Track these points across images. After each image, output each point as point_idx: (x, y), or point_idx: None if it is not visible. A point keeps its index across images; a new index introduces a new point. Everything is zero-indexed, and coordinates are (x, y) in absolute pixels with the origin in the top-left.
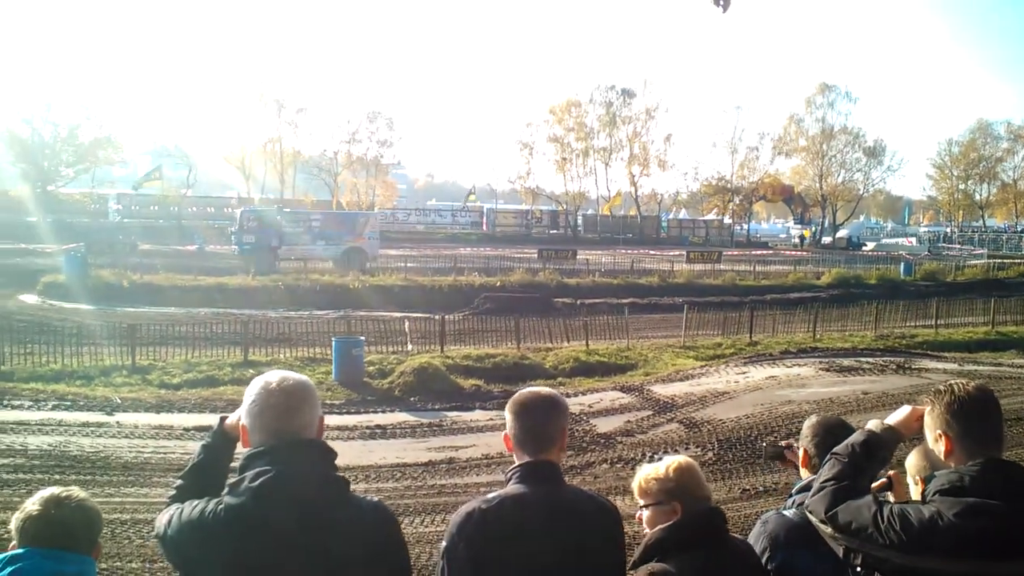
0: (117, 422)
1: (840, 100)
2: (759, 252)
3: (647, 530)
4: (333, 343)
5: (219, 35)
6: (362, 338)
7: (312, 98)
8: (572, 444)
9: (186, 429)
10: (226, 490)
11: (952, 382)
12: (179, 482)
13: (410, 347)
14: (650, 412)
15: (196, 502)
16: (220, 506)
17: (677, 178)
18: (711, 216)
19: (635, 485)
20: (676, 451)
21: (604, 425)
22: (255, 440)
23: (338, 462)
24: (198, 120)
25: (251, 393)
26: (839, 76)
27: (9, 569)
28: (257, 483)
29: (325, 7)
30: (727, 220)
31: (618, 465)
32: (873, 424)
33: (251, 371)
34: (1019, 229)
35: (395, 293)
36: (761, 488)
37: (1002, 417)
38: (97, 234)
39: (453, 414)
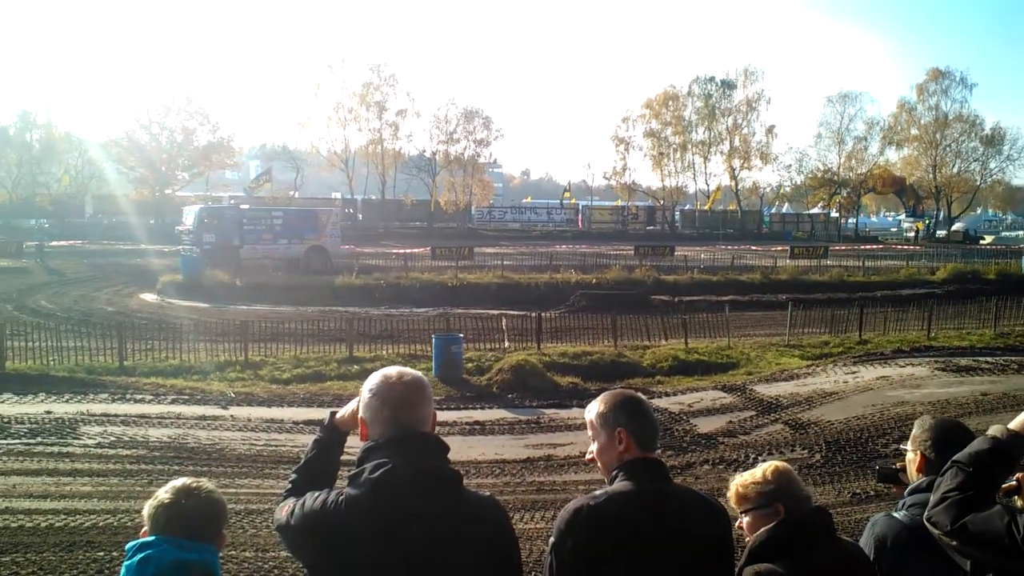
0: (231, 416)
1: (955, 87)
2: (868, 247)
3: (748, 537)
4: (433, 340)
5: (324, 40)
6: (461, 335)
7: (412, 100)
8: (672, 444)
9: (295, 423)
10: (346, 482)
11: None
12: (294, 476)
13: (507, 344)
14: (753, 412)
15: (317, 493)
16: (341, 497)
17: (780, 171)
18: (816, 210)
19: (731, 494)
20: (781, 453)
21: (705, 425)
22: (374, 433)
23: None
24: (304, 124)
25: (371, 387)
26: (954, 60)
27: (140, 556)
28: (377, 475)
29: (423, 9)
30: (833, 214)
31: (720, 466)
32: (996, 430)
33: (355, 367)
34: None
35: (492, 291)
36: (872, 492)
37: None
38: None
39: (550, 411)
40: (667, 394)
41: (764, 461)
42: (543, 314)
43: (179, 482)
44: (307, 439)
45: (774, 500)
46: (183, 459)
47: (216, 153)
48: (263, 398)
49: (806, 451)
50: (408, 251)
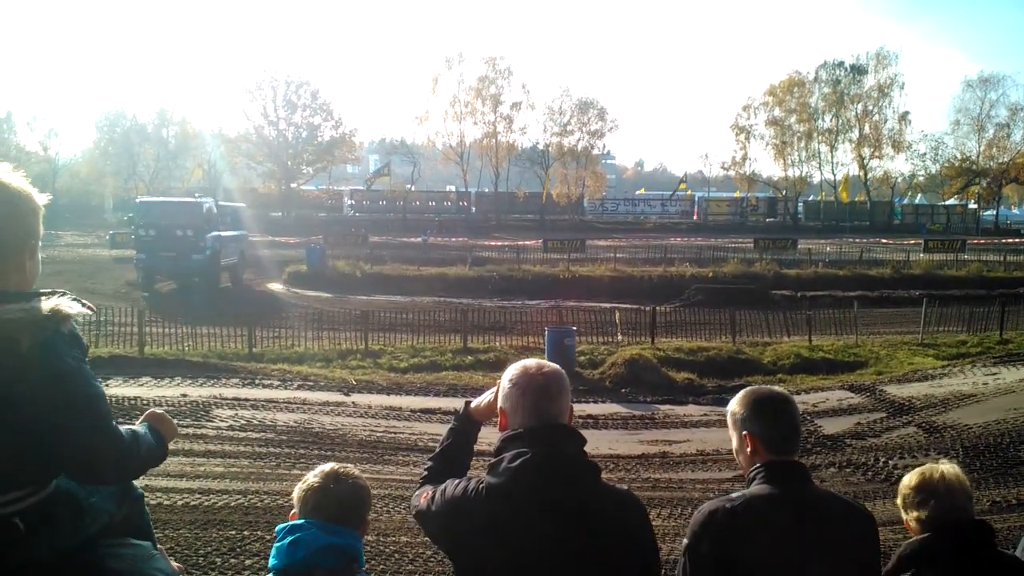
0: (353, 402)
1: None
2: (1010, 240)
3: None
4: (546, 333)
5: (441, 36)
6: (574, 328)
7: (527, 92)
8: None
9: (412, 411)
10: (487, 471)
11: None
12: (429, 464)
13: (620, 338)
14: (883, 414)
15: (458, 481)
16: (482, 485)
17: (913, 160)
18: (952, 201)
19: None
20: (914, 457)
21: (831, 426)
22: (514, 423)
23: None
24: (422, 118)
25: (511, 377)
26: None
27: (290, 538)
28: (517, 463)
29: (539, 1)
30: (972, 205)
31: (847, 470)
32: None
33: (469, 358)
34: None
35: (604, 284)
36: (1014, 501)
37: None
38: (333, 227)
39: (665, 407)
40: (790, 392)
41: (939, 462)
42: (657, 308)
43: (327, 467)
44: (423, 427)
45: (918, 506)
46: (308, 443)
47: (339, 148)
48: (382, 386)
49: (942, 456)
50: (520, 243)
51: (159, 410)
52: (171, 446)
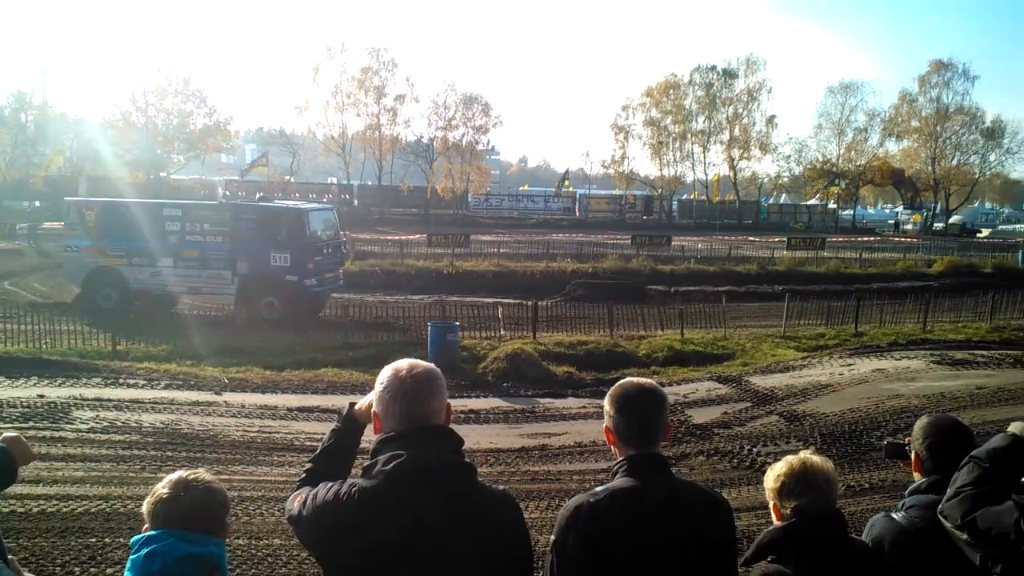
0: (225, 401)
1: (957, 79)
2: (866, 238)
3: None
4: (429, 328)
5: (323, 24)
6: (457, 323)
7: (411, 85)
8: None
9: (289, 409)
10: (360, 473)
11: None
12: (309, 465)
13: (503, 333)
14: (748, 404)
15: (330, 484)
16: (354, 488)
17: (779, 161)
18: (814, 201)
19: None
20: (776, 445)
21: (700, 416)
22: (387, 426)
23: None
24: (302, 108)
25: (382, 381)
26: (957, 52)
27: (145, 550)
28: (390, 466)
29: None
30: (832, 205)
31: (715, 457)
32: (1016, 427)
33: (351, 354)
34: None
35: (488, 279)
36: (867, 485)
37: None
38: None
39: (545, 401)
40: (663, 384)
41: (806, 452)
42: (539, 303)
43: (176, 475)
44: (301, 426)
45: (792, 497)
46: (176, 445)
47: (212, 136)
48: (257, 384)
49: (801, 443)
50: (404, 237)
51: (13, 433)
52: None
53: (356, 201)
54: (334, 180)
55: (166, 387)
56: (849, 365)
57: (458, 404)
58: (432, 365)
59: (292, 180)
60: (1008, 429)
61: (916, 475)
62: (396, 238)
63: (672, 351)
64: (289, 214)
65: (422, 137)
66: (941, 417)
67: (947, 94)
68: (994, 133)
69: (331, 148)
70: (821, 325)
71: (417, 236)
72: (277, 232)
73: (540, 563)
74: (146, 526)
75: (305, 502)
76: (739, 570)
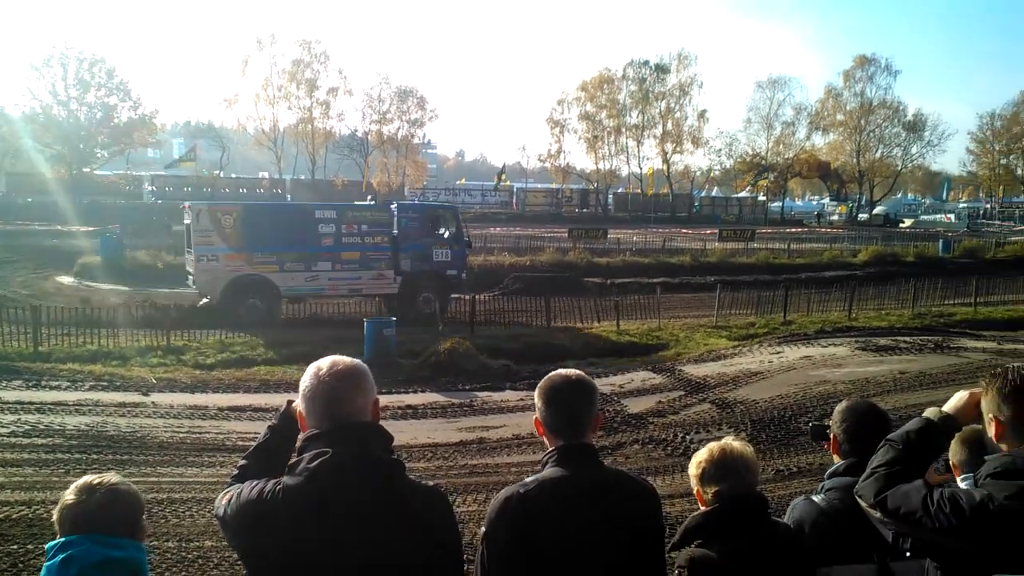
0: (152, 402)
1: (880, 73)
2: (794, 230)
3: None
4: (365, 323)
5: (253, 15)
6: (393, 319)
7: (344, 78)
8: (602, 425)
9: (220, 409)
10: (286, 472)
11: (1007, 365)
12: (243, 462)
13: (441, 327)
14: (682, 392)
15: (255, 483)
16: (279, 487)
17: (711, 155)
18: (744, 193)
19: (689, 468)
20: (708, 432)
21: (635, 405)
22: (311, 424)
23: None
24: (231, 101)
25: (304, 379)
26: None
27: (61, 556)
28: (314, 464)
29: None
30: (761, 197)
31: (649, 446)
32: (930, 412)
33: (284, 350)
34: None
35: None
36: (795, 469)
37: None
38: (132, 216)
39: (483, 394)
40: (599, 375)
41: (728, 438)
42: (477, 297)
43: (81, 480)
44: (232, 426)
45: (715, 482)
46: (102, 448)
47: (138, 130)
48: (186, 384)
49: (732, 429)
50: None
51: None
52: None
53: (289, 196)
54: (265, 175)
55: (91, 388)
56: (778, 353)
57: (395, 400)
58: (357, 361)
59: (221, 175)
60: (924, 413)
61: (836, 457)
62: None
63: (608, 342)
64: (448, 212)
65: (356, 131)
66: (858, 402)
67: (871, 88)
68: (915, 126)
69: (262, 142)
70: (752, 315)
71: None
72: (437, 229)
73: (472, 557)
74: (57, 534)
75: (230, 501)
76: (667, 556)
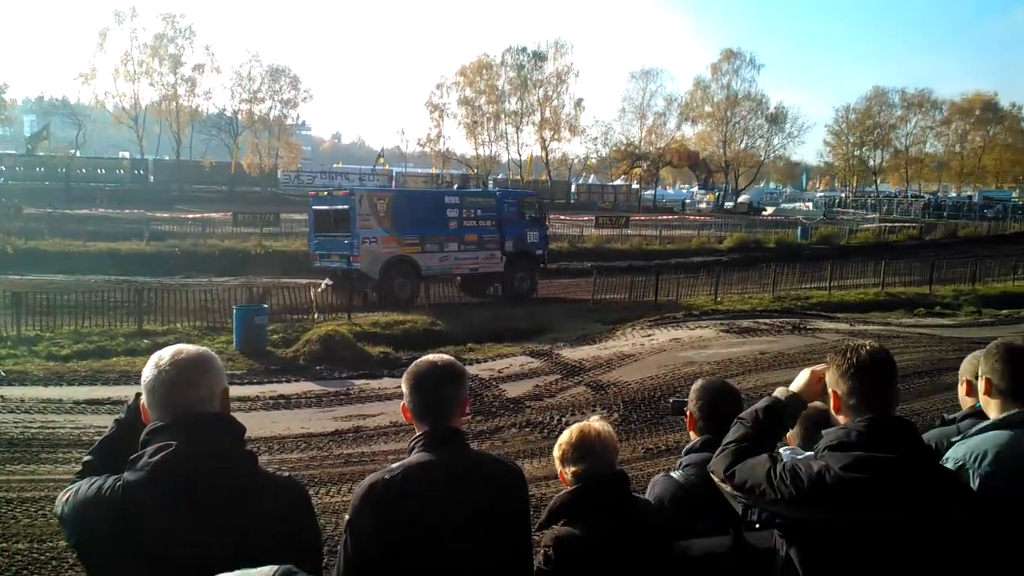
0: (1, 396)
1: (745, 67)
2: (665, 217)
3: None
4: (234, 311)
5: None
6: (265, 306)
7: (211, 55)
8: (481, 409)
9: (76, 402)
10: (126, 466)
11: (848, 343)
12: (87, 458)
13: (316, 315)
14: (559, 376)
15: (95, 479)
16: (119, 483)
17: (587, 143)
18: (619, 181)
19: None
20: (583, 414)
21: (513, 390)
22: (154, 416)
23: None
24: (88, 76)
25: (145, 370)
26: (746, 42)
27: None
28: (156, 458)
29: None
30: (635, 185)
31: (527, 429)
32: (779, 391)
33: (145, 341)
34: (909, 194)
35: (300, 259)
36: (664, 447)
37: (894, 378)
38: None
39: (360, 382)
40: (478, 361)
41: (591, 419)
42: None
43: None
44: (89, 420)
45: (576, 462)
46: None
47: None
48: (39, 376)
49: (606, 410)
50: (207, 216)
51: None
52: None
53: (152, 177)
54: (126, 154)
55: None
56: (649, 336)
57: (266, 390)
58: (202, 349)
59: (78, 154)
60: (774, 392)
61: (692, 434)
62: (197, 216)
63: (487, 328)
64: (535, 198)
65: (225, 110)
66: (713, 380)
67: (736, 81)
68: (777, 118)
69: (122, 120)
70: (625, 299)
71: (221, 214)
72: (529, 213)
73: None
74: None
75: (69, 499)
76: (534, 536)
